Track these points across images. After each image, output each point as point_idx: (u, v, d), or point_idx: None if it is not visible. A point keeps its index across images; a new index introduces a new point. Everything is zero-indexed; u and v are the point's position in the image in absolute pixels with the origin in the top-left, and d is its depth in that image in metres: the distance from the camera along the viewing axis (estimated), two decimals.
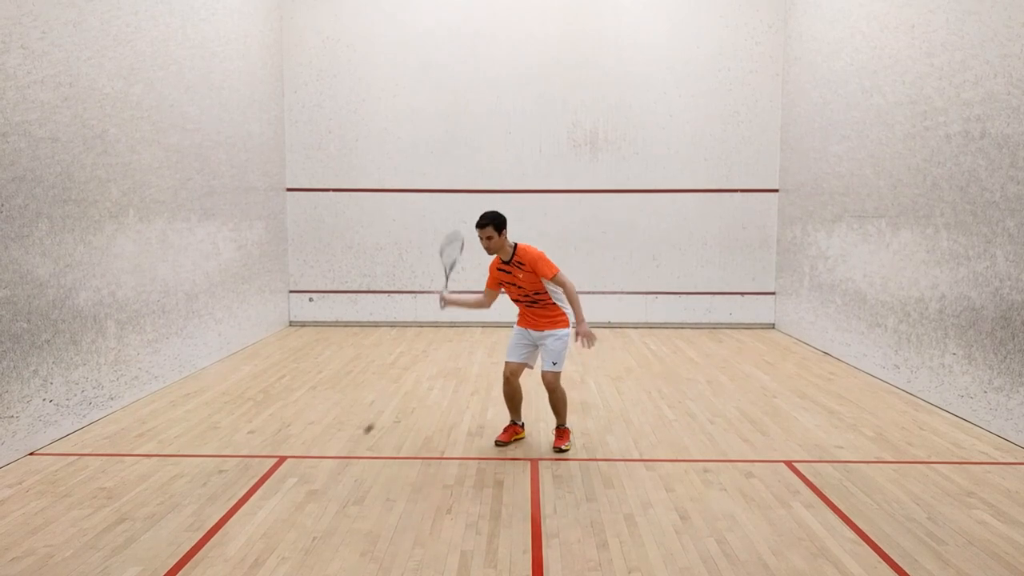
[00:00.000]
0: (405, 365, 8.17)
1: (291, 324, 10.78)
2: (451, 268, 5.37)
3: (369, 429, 5.74)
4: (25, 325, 5.14)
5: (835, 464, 5.10)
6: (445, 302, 5.29)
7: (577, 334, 5.20)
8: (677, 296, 10.76)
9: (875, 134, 7.73)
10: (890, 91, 7.43)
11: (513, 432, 5.52)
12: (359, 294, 10.81)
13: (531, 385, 7.15)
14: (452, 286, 10.54)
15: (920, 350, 6.83)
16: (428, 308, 10.76)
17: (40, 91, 5.32)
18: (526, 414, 6.18)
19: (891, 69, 7.42)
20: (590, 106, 10.63)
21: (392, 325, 10.74)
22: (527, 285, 5.19)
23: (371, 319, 10.80)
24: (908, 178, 7.09)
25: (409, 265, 10.79)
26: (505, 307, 11.12)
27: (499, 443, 5.43)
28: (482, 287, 5.51)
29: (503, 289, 5.38)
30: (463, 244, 5.44)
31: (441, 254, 5.47)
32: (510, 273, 5.22)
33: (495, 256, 5.28)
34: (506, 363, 5.38)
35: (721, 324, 10.74)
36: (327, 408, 6.41)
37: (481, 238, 5.10)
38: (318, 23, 10.56)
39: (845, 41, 8.47)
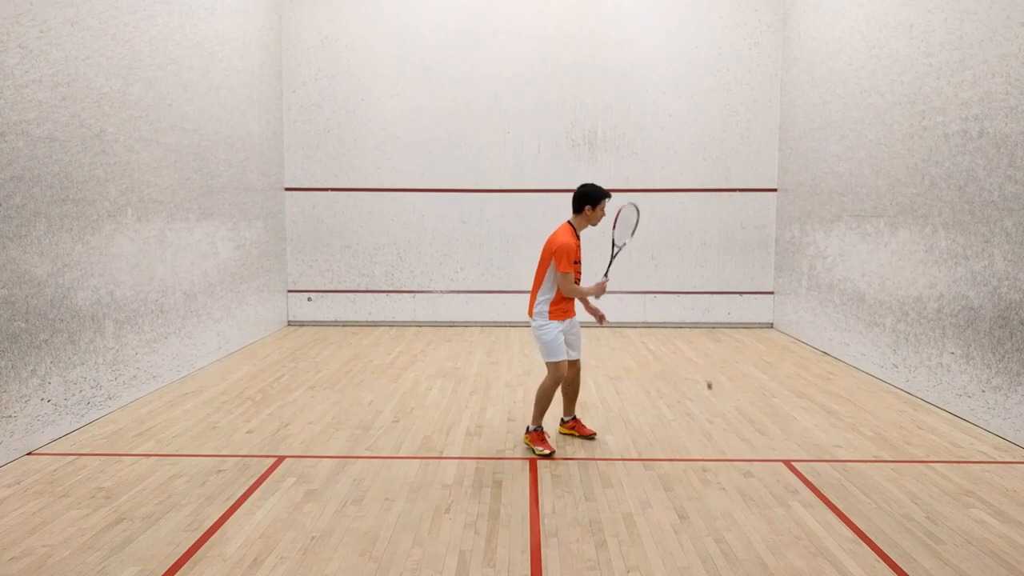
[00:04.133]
0: (404, 365, 8.17)
1: (290, 324, 10.77)
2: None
3: (710, 386, 5.81)
4: (23, 325, 5.13)
5: (833, 463, 5.10)
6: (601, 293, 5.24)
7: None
8: (676, 296, 10.76)
9: (873, 134, 7.74)
10: (888, 91, 7.44)
11: (571, 427, 5.67)
12: (358, 294, 10.81)
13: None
14: (448, 285, 10.61)
15: (918, 349, 6.83)
16: (427, 308, 10.76)
17: (38, 90, 5.31)
18: (526, 413, 6.19)
19: (889, 69, 7.43)
20: (589, 106, 10.63)
21: (391, 325, 10.74)
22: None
23: (370, 319, 10.80)
24: (906, 178, 7.10)
25: (408, 265, 10.78)
26: (503, 306, 11.04)
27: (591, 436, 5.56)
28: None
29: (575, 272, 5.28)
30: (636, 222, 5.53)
31: (620, 231, 5.43)
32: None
33: (571, 234, 5.21)
34: (563, 363, 5.25)
35: (720, 324, 10.75)
36: (326, 408, 6.41)
37: (603, 210, 5.23)
38: (317, 23, 10.56)
39: (844, 41, 8.48)
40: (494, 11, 10.57)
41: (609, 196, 5.25)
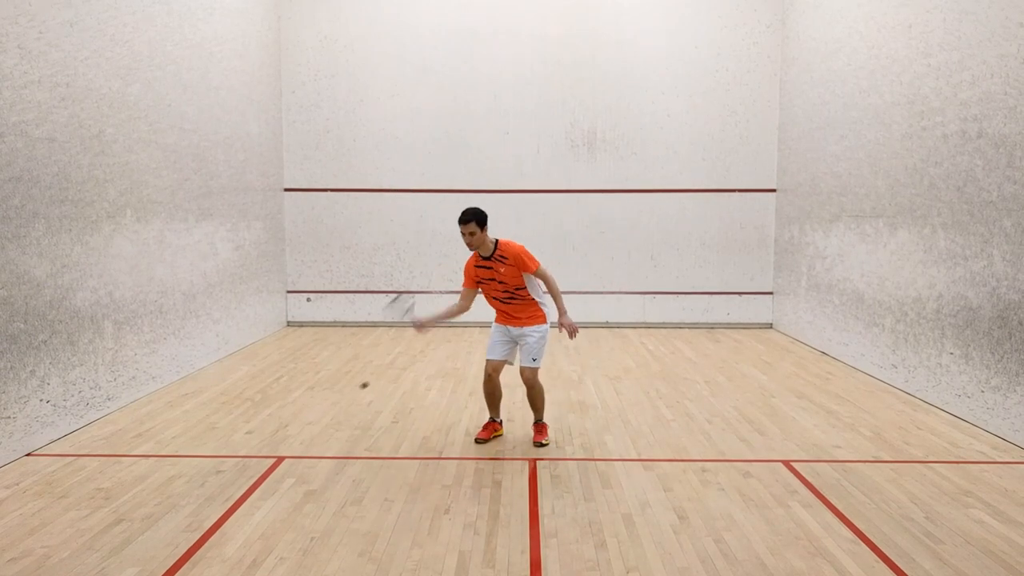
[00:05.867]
0: (403, 365, 8.17)
1: (289, 324, 10.77)
2: (408, 312, 5.53)
3: (365, 385, 6.26)
4: (22, 326, 5.13)
5: (833, 464, 5.10)
6: (422, 326, 5.40)
7: (561, 326, 5.30)
8: (675, 296, 10.76)
9: (872, 134, 7.74)
10: (887, 91, 7.44)
11: (493, 429, 5.62)
12: (357, 294, 10.81)
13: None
14: (448, 285, 10.62)
15: (917, 350, 6.84)
16: (426, 308, 10.75)
17: (37, 91, 5.31)
18: (524, 414, 6.19)
19: (888, 69, 7.43)
20: (588, 106, 10.63)
21: (390, 325, 10.73)
22: (509, 280, 5.24)
23: (369, 319, 10.79)
24: (905, 178, 7.10)
25: (407, 265, 10.78)
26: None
27: (480, 441, 5.52)
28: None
29: (480, 289, 5.40)
30: (411, 307, 5.59)
31: (393, 314, 5.61)
32: (491, 269, 5.25)
33: (471, 255, 5.36)
34: (488, 361, 5.44)
35: (719, 324, 10.75)
36: (325, 408, 6.41)
37: (464, 234, 5.14)
38: (316, 23, 10.56)
39: (843, 41, 8.48)
40: (494, 11, 10.56)
41: (461, 222, 5.12)
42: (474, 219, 5.11)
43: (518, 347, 5.42)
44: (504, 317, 5.40)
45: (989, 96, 5.84)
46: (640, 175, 10.69)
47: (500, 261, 5.21)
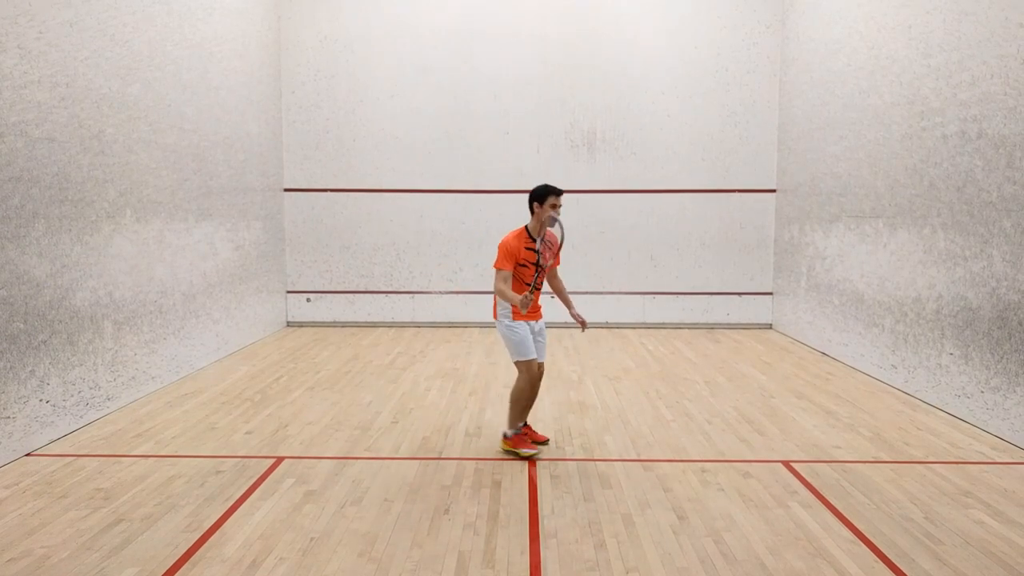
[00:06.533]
0: (403, 365, 8.17)
1: (289, 324, 10.77)
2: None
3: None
4: (22, 326, 5.13)
5: (832, 464, 5.11)
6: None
7: (574, 317, 5.29)
8: (675, 296, 10.77)
9: (872, 134, 7.74)
10: (887, 91, 7.45)
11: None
12: (357, 294, 10.81)
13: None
14: (447, 285, 10.62)
15: (917, 350, 6.84)
16: (426, 308, 10.76)
17: (37, 91, 5.31)
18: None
19: (888, 70, 7.43)
20: (588, 106, 10.64)
21: (390, 326, 10.73)
22: (546, 267, 5.15)
23: (369, 319, 10.80)
24: (905, 178, 7.10)
25: (407, 265, 10.78)
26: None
27: (543, 443, 5.38)
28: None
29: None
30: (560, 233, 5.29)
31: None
32: (538, 253, 5.11)
33: (512, 234, 5.09)
34: (535, 362, 5.14)
35: (719, 324, 10.75)
36: (325, 409, 6.41)
37: (557, 206, 5.06)
38: (316, 23, 10.56)
39: (842, 42, 8.48)
40: (494, 11, 10.57)
41: (557, 193, 5.07)
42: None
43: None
44: (530, 310, 5.16)
45: (989, 97, 5.85)
46: (640, 175, 10.69)
47: (549, 246, 5.17)
